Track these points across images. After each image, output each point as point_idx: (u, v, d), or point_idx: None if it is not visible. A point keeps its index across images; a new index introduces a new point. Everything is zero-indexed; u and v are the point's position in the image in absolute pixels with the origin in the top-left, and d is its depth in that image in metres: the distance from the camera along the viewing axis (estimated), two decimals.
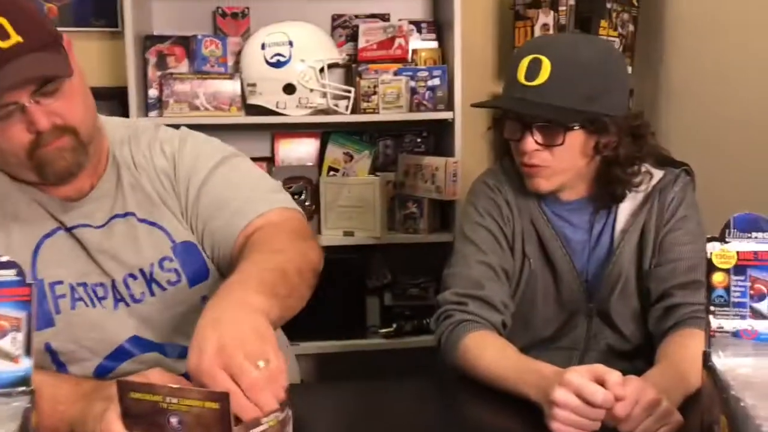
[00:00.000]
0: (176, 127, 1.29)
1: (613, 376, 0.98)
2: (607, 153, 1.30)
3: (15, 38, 1.00)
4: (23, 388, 0.85)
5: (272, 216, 1.16)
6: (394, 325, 2.55)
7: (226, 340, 0.83)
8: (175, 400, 0.79)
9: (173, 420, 0.79)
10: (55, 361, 1.17)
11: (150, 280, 1.19)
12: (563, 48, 1.28)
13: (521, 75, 1.27)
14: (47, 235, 1.16)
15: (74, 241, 1.17)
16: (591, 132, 1.28)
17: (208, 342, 0.83)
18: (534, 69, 1.25)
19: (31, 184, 1.14)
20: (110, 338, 1.18)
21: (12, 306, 0.88)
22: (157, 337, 1.20)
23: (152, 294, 1.19)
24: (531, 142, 1.28)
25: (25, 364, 0.87)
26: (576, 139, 1.28)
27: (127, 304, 1.18)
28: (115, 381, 0.83)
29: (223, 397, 0.78)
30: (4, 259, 0.89)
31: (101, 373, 1.19)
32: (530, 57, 1.27)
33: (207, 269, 1.21)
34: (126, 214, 1.18)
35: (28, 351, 0.87)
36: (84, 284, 1.17)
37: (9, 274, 0.89)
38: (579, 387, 0.97)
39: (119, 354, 1.19)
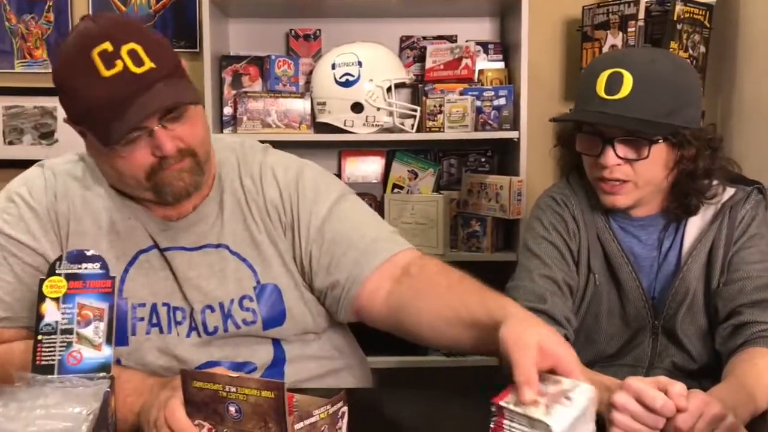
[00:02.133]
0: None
1: (677, 387, 0.96)
2: (686, 166, 1.29)
3: (149, 64, 1.03)
4: (104, 374, 0.92)
5: (407, 256, 1.19)
6: None
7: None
8: (233, 389, 0.82)
9: (232, 408, 0.83)
10: None
11: (227, 316, 1.19)
12: (643, 62, 1.28)
13: (600, 89, 1.26)
14: (143, 251, 1.18)
15: (165, 262, 1.18)
16: (673, 145, 1.28)
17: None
18: (615, 83, 1.25)
19: (134, 200, 1.17)
20: (177, 366, 1.18)
21: (96, 297, 0.95)
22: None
23: (225, 330, 1.19)
24: (613, 156, 1.27)
25: (107, 351, 0.93)
26: (659, 152, 1.28)
27: (199, 335, 1.19)
28: (177, 376, 0.87)
29: (279, 386, 0.80)
30: (90, 252, 0.96)
31: None
32: (610, 71, 1.26)
33: (284, 316, 1.21)
34: (218, 245, 1.19)
35: (109, 339, 0.94)
36: (167, 305, 1.18)
37: (94, 267, 0.96)
38: (639, 391, 0.96)
39: None
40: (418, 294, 1.12)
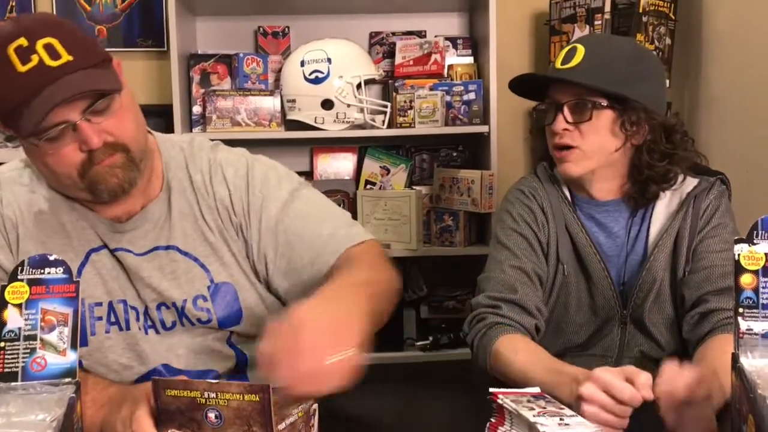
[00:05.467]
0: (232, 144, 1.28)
1: (642, 377, 0.98)
2: (637, 141, 1.33)
3: (66, 57, 1.01)
4: (69, 380, 0.90)
5: (352, 252, 1.17)
6: (431, 338, 2.57)
7: (310, 323, 0.85)
8: (213, 395, 0.81)
9: (211, 414, 0.82)
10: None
11: (181, 314, 1.19)
12: (600, 39, 1.41)
13: (558, 62, 1.36)
14: (94, 250, 1.17)
15: (116, 261, 1.18)
16: (619, 113, 1.32)
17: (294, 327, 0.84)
18: (569, 55, 1.34)
19: (81, 203, 1.16)
20: (139, 364, 1.19)
21: (60, 302, 0.93)
22: (184, 365, 1.20)
23: (182, 324, 1.19)
24: (561, 120, 1.33)
25: (72, 357, 0.92)
26: (605, 119, 1.32)
27: (157, 331, 1.19)
28: (140, 384, 0.86)
29: (264, 389, 0.79)
30: (53, 257, 0.95)
31: None
32: (569, 47, 1.36)
33: (241, 314, 1.20)
34: (168, 247, 1.18)
35: (74, 345, 0.92)
36: (123, 301, 1.18)
37: (57, 272, 0.94)
38: (607, 383, 0.97)
39: (147, 379, 1.18)
40: None
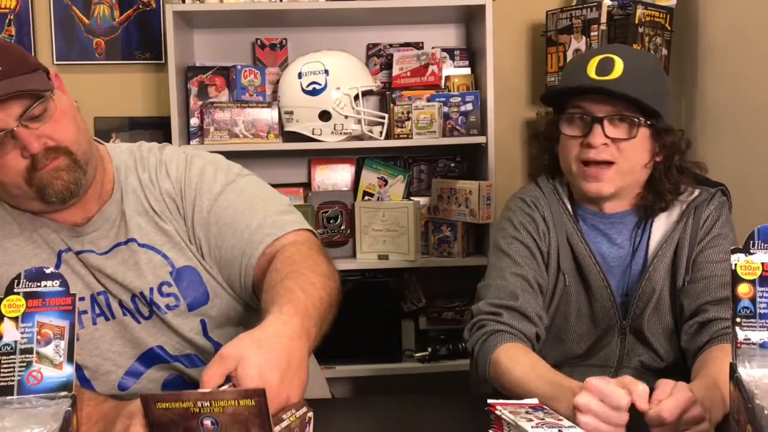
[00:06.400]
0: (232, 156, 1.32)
1: (639, 387, 0.97)
2: (659, 157, 1.33)
3: None
4: (65, 393, 0.90)
5: (288, 239, 1.19)
6: (429, 349, 2.56)
7: (262, 363, 0.86)
8: (207, 404, 0.81)
9: (207, 422, 0.82)
10: (80, 376, 1.20)
11: (150, 303, 1.22)
12: (629, 51, 1.35)
13: (592, 71, 1.29)
14: (63, 251, 1.21)
15: (82, 263, 1.22)
16: (656, 132, 1.31)
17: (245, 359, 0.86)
18: (606, 66, 1.29)
19: (38, 215, 1.19)
20: (133, 348, 1.23)
21: (56, 315, 0.93)
22: (172, 350, 1.24)
23: (157, 315, 1.23)
24: (601, 134, 1.29)
25: (68, 370, 0.92)
26: (644, 136, 1.31)
27: (138, 321, 1.23)
28: (134, 399, 0.86)
29: (260, 393, 0.80)
30: (49, 270, 0.95)
31: (123, 388, 1.23)
32: (600, 56, 1.30)
33: (207, 295, 1.24)
34: (128, 241, 1.22)
35: (70, 358, 0.92)
36: (105, 293, 1.22)
37: (53, 285, 0.94)
38: (601, 391, 0.97)
39: (146, 360, 1.23)
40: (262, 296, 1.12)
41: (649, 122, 1.30)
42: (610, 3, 2.42)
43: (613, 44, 2.31)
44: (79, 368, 1.19)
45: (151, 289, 1.22)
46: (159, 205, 1.23)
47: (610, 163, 1.30)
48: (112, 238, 1.22)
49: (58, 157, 1.11)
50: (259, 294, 1.18)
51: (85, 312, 1.21)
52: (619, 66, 1.28)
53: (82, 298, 1.21)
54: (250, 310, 1.27)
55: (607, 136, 1.29)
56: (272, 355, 0.88)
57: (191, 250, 1.24)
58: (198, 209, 1.23)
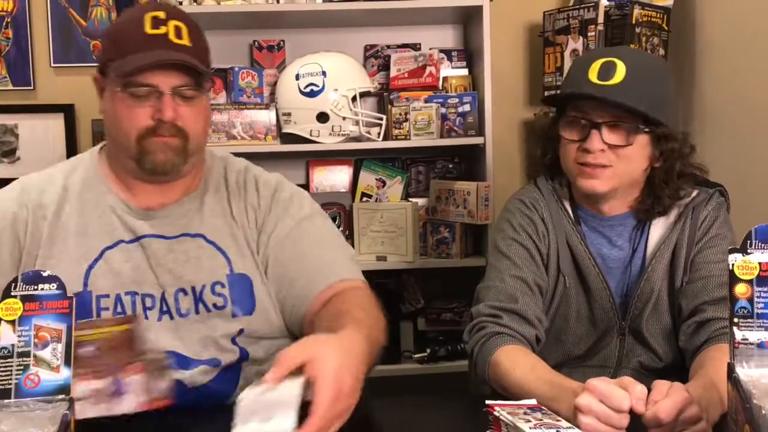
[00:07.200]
0: None
1: (638, 388, 0.98)
2: (659, 162, 1.32)
3: (186, 41, 1.19)
4: (63, 396, 0.90)
5: (356, 284, 1.24)
6: (428, 350, 2.56)
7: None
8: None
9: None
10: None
11: (198, 299, 1.24)
12: (634, 54, 1.33)
13: (593, 75, 1.28)
14: (108, 248, 1.24)
15: (139, 251, 1.24)
16: (656, 139, 1.30)
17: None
18: (608, 70, 1.27)
19: (113, 194, 1.25)
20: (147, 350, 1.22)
21: (53, 318, 0.93)
22: (188, 352, 1.24)
23: (197, 312, 1.24)
24: (599, 141, 1.28)
25: (65, 373, 0.92)
26: (643, 143, 1.30)
27: (171, 317, 1.24)
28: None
29: (133, 319, 0.86)
30: (47, 273, 0.94)
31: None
32: (603, 60, 1.29)
33: (254, 306, 1.26)
34: (196, 235, 1.26)
35: (67, 361, 0.92)
36: (133, 293, 1.23)
37: (51, 288, 0.94)
38: (604, 393, 0.97)
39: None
40: (320, 321, 1.18)
41: (647, 129, 1.29)
42: (607, 3, 2.43)
43: (620, 46, 2.28)
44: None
45: (204, 286, 1.25)
46: (239, 212, 1.29)
47: (607, 166, 1.31)
48: (181, 227, 1.26)
49: (176, 136, 1.19)
50: (302, 323, 1.24)
51: (106, 309, 1.22)
52: (621, 71, 1.26)
53: (106, 296, 1.22)
54: (280, 335, 1.29)
55: (604, 142, 1.29)
56: (351, 361, 0.93)
57: (255, 260, 1.27)
58: (280, 227, 1.28)
